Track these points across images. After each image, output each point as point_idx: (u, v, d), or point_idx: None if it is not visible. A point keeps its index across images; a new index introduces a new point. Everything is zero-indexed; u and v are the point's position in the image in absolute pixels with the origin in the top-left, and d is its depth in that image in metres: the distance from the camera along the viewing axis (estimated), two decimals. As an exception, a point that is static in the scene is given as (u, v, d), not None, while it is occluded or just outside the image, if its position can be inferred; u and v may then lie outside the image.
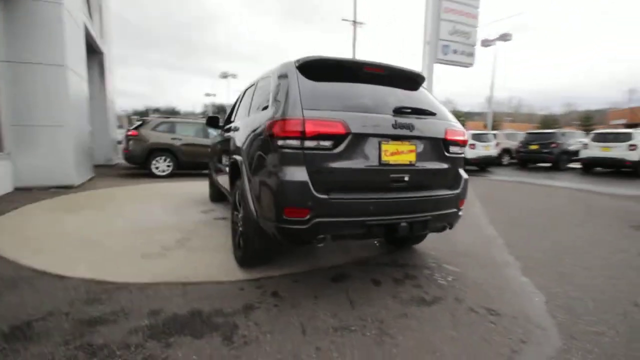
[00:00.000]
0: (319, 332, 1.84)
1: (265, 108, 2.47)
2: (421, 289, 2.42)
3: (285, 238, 2.12)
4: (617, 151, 10.48)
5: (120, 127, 17.94)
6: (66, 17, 5.81)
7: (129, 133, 8.10)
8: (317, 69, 2.30)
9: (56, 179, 5.82)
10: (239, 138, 2.75)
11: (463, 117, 35.66)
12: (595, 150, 11.09)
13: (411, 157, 2.26)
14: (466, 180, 2.57)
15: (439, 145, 2.39)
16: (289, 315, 2.01)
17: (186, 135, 8.50)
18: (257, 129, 2.39)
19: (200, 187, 6.82)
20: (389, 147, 2.18)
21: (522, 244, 3.56)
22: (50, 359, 1.56)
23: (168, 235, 3.49)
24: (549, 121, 44.98)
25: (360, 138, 2.10)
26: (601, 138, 11.13)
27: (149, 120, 8.37)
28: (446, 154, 2.43)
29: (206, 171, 9.02)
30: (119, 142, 11.42)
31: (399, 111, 2.24)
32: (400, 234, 2.18)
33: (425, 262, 2.97)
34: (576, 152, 12.40)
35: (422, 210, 2.27)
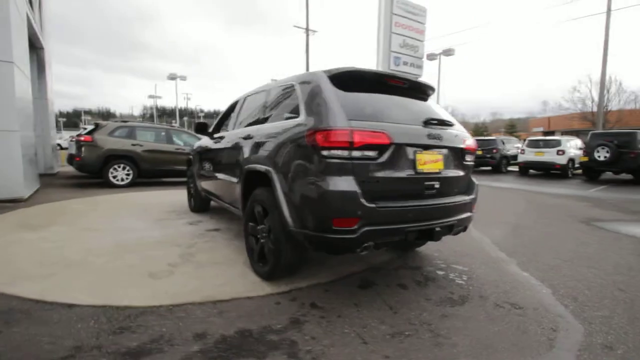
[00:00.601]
0: (378, 340, 1.87)
1: (291, 117, 2.45)
2: (445, 290, 2.57)
3: (329, 248, 2.12)
4: (548, 156, 12.05)
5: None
6: (12, 5, 5.08)
7: (81, 138, 7.27)
8: (347, 80, 2.35)
9: (3, 191, 5.02)
10: (260, 147, 2.65)
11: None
12: (530, 155, 12.62)
13: (440, 166, 2.41)
14: (477, 186, 2.80)
15: (458, 154, 2.58)
16: (341, 326, 2.01)
17: (148, 141, 7.88)
18: (286, 137, 2.35)
19: (171, 196, 6.39)
20: (422, 157, 2.29)
21: (505, 242, 3.93)
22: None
23: (165, 251, 3.23)
24: (480, 129, 49.75)
25: (399, 148, 2.18)
26: (535, 144, 12.70)
27: (104, 125, 7.60)
28: (464, 162, 2.63)
29: (172, 179, 8.59)
30: (61, 148, 10.18)
31: (428, 122, 2.38)
32: (435, 238, 2.31)
33: (435, 263, 3.14)
34: (515, 157, 13.97)
35: (449, 215, 2.42)
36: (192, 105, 75.79)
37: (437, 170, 2.39)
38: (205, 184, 4.38)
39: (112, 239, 3.56)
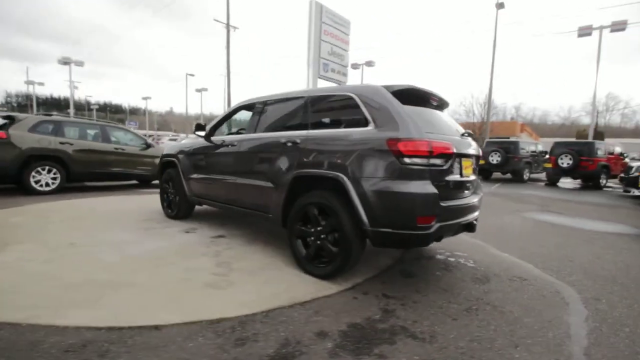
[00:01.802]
0: (461, 316, 2.28)
1: (352, 126, 2.67)
2: (469, 272, 3.14)
3: (407, 243, 2.46)
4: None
5: None
6: None
7: (-12, 135, 5.80)
8: (403, 95, 2.69)
9: None
10: (319, 153, 2.77)
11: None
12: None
13: (471, 171, 2.95)
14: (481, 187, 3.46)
15: (476, 161, 3.17)
16: (425, 309, 2.35)
17: (80, 139, 6.73)
18: (357, 145, 2.55)
19: (129, 203, 5.69)
20: (465, 163, 2.80)
21: (480, 230, 4.80)
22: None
23: (194, 261, 3.05)
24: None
25: (456, 157, 2.63)
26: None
27: (23, 118, 6.20)
28: (477, 167, 3.24)
29: (108, 184, 7.39)
30: None
31: (462, 134, 2.90)
32: (473, 230, 2.84)
33: (441, 252, 3.72)
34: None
35: (476, 210, 2.99)
36: (81, 95, 64.29)
37: (470, 174, 2.93)
38: (204, 188, 4.13)
39: (114, 253, 3.14)
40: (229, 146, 3.72)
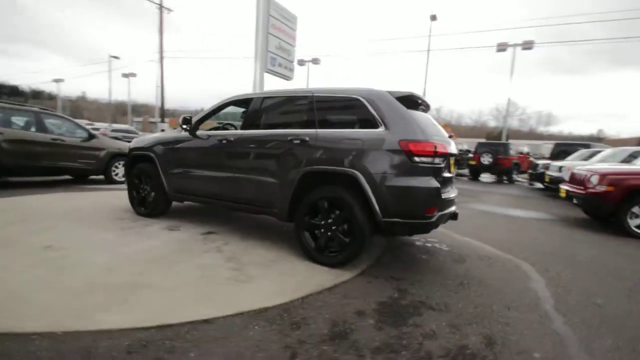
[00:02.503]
0: (465, 288, 2.73)
1: (365, 126, 2.94)
2: (447, 255, 3.66)
3: (415, 230, 2.82)
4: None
5: None
6: None
7: None
8: (404, 101, 3.04)
9: None
10: (331, 151, 2.95)
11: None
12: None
13: (453, 168, 3.44)
14: None
15: (454, 159, 3.69)
16: (433, 285, 2.76)
17: (13, 128, 5.77)
18: (370, 145, 2.82)
19: (81, 201, 5.13)
20: (452, 162, 3.26)
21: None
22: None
23: (202, 259, 3.02)
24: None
25: (449, 156, 3.08)
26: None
27: None
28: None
29: (37, 179, 6.35)
30: None
31: (450, 136, 3.37)
32: (455, 219, 3.34)
33: (417, 240, 4.21)
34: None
35: (456, 202, 3.50)
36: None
37: (454, 171, 3.42)
38: (189, 184, 3.99)
39: (103, 255, 2.93)
40: (223, 141, 3.68)
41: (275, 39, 18.10)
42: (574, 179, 6.09)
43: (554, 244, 4.42)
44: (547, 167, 10.60)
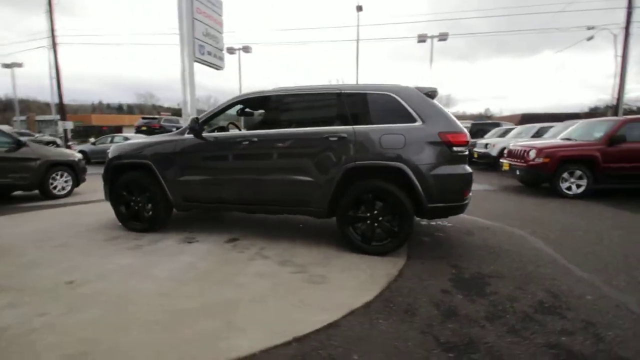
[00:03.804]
0: (494, 256, 3.18)
1: (401, 120, 3.13)
2: (456, 230, 4.14)
3: (452, 212, 3.17)
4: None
5: None
6: None
7: None
8: (429, 95, 3.32)
9: None
10: (375, 145, 3.08)
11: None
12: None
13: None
14: None
15: None
16: (472, 259, 3.14)
17: None
18: (411, 138, 3.04)
19: (43, 223, 4.28)
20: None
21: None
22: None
23: (258, 268, 2.91)
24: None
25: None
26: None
27: None
28: None
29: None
30: None
31: None
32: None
33: (424, 223, 4.64)
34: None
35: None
36: None
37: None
38: (205, 191, 3.68)
39: (145, 282, 2.63)
40: (244, 142, 3.49)
41: (202, 24, 16.88)
42: (512, 154, 7.28)
43: (517, 209, 5.32)
44: (474, 144, 12.26)
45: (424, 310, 2.21)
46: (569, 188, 6.22)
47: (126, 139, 14.56)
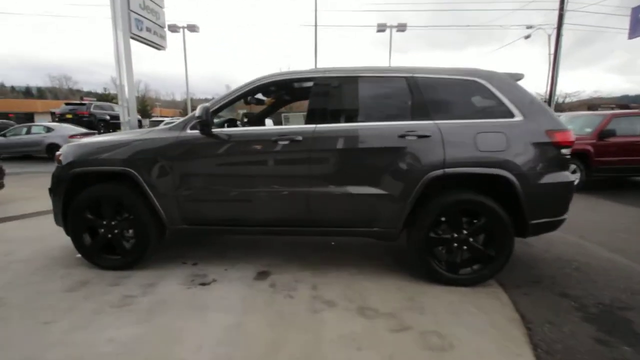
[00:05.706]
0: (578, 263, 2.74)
1: (495, 115, 2.47)
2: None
3: (553, 228, 2.58)
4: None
5: None
6: None
7: None
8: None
9: None
10: (468, 146, 2.36)
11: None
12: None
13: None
14: None
15: None
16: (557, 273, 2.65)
17: None
18: (515, 137, 2.39)
19: None
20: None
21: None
22: None
23: (331, 322, 2.03)
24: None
25: None
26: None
27: None
28: None
29: None
30: None
31: None
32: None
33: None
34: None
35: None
36: None
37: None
38: (220, 208, 2.63)
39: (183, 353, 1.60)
40: (281, 142, 2.50)
41: (138, -6, 14.27)
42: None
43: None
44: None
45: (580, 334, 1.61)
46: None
47: (49, 129, 11.81)
